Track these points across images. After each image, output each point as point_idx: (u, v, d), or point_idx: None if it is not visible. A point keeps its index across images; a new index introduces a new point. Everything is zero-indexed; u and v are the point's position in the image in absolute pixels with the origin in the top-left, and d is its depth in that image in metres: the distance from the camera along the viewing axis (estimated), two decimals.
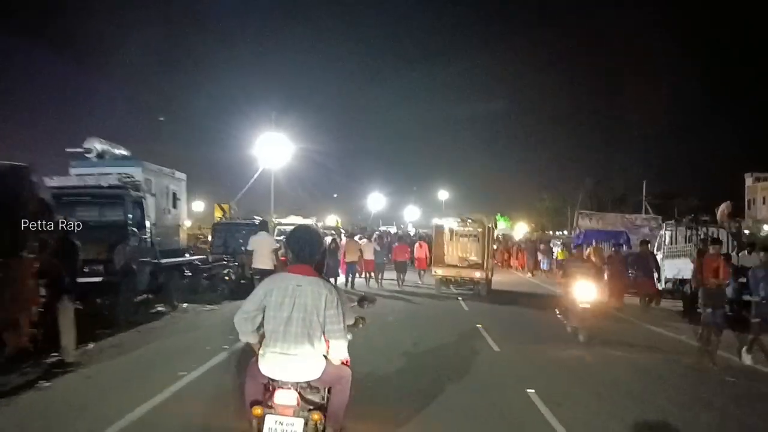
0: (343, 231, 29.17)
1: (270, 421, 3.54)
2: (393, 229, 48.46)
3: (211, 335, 9.56)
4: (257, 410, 3.58)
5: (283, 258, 17.71)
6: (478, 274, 17.89)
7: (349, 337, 3.94)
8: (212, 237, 18.81)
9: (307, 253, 3.83)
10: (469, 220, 18.82)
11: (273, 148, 27.91)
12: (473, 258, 18.27)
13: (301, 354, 3.65)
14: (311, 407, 3.70)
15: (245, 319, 3.73)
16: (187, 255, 13.91)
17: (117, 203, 10.66)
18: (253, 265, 11.83)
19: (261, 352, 3.73)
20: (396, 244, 21.31)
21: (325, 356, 3.79)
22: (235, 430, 4.30)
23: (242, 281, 14.44)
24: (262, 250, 11.71)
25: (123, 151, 13.51)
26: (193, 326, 10.87)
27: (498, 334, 10.70)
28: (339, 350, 3.83)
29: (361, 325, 4.32)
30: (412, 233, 38.04)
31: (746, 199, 61.10)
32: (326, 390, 3.85)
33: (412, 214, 69.40)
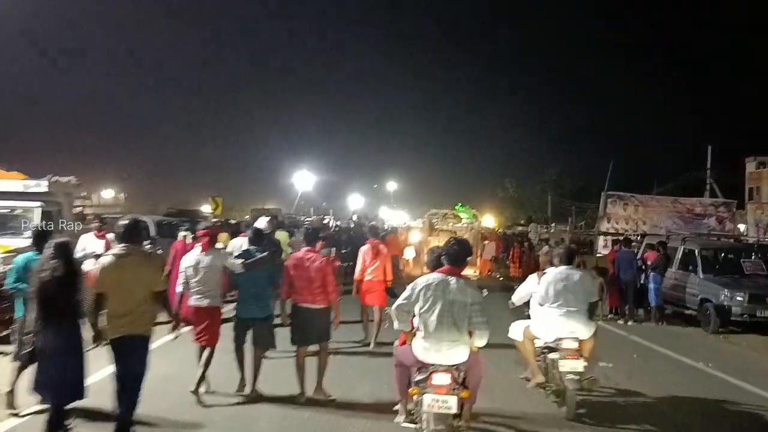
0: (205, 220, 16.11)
1: (428, 399, 4.30)
2: (331, 220, 36.59)
3: None
4: (414, 390, 4.41)
5: None
6: (470, 272, 14.98)
7: None
8: None
9: (455, 258, 4.63)
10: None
11: None
12: None
13: (454, 341, 4.44)
14: (458, 386, 4.42)
15: (403, 311, 4.55)
16: None
17: None
18: None
19: (416, 340, 4.52)
20: (366, 244, 8.80)
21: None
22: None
23: None
24: None
25: None
26: None
27: None
28: (482, 338, 4.54)
29: None
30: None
31: (747, 188, 52.19)
32: (464, 372, 4.54)
33: (356, 203, 58.38)
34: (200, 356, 5.94)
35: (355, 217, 44.91)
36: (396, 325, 4.66)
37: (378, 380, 6.68)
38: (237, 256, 6.06)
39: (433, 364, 4.43)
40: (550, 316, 5.95)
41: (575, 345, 5.76)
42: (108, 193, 38.72)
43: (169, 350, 6.57)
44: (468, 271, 15.66)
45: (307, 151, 64.58)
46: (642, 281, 11.93)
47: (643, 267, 12.01)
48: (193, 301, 5.95)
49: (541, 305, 6.07)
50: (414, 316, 4.57)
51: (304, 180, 38.46)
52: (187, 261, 6.03)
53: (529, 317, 6.36)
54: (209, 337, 5.96)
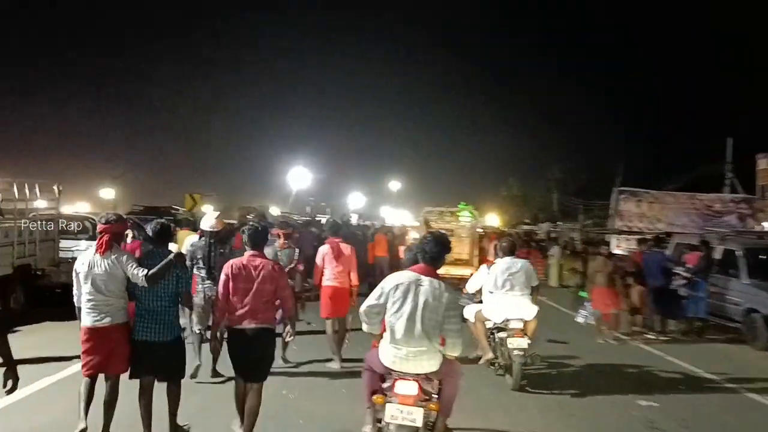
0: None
1: (392, 409, 3.88)
2: (324, 219, 35.03)
3: None
4: (379, 399, 3.99)
5: None
6: (468, 272, 13.62)
7: None
8: None
9: (431, 256, 4.11)
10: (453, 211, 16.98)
11: None
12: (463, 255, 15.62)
13: (423, 349, 3.96)
14: (427, 398, 3.99)
15: (372, 312, 4.07)
16: None
17: None
18: None
19: (383, 344, 4.08)
20: (325, 245, 7.42)
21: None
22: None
23: None
24: None
25: None
26: None
27: None
28: (455, 347, 4.08)
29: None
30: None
31: (758, 185, 50.46)
32: (438, 381, 4.09)
33: (356, 201, 56.94)
34: (87, 396, 4.39)
35: (355, 217, 43.62)
36: (365, 327, 4.22)
37: (345, 410, 5.28)
38: (137, 263, 4.47)
39: (399, 372, 3.97)
40: (499, 301, 6.81)
41: (520, 325, 6.62)
42: (107, 193, 37.10)
43: (46, 393, 5.37)
44: (464, 271, 14.49)
45: (305, 149, 63.22)
46: (672, 287, 10.05)
47: (680, 271, 10.08)
48: (88, 320, 4.44)
49: (491, 293, 6.89)
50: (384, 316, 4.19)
51: (299, 178, 36.68)
52: (77, 266, 4.51)
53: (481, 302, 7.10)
54: (110, 364, 4.46)
